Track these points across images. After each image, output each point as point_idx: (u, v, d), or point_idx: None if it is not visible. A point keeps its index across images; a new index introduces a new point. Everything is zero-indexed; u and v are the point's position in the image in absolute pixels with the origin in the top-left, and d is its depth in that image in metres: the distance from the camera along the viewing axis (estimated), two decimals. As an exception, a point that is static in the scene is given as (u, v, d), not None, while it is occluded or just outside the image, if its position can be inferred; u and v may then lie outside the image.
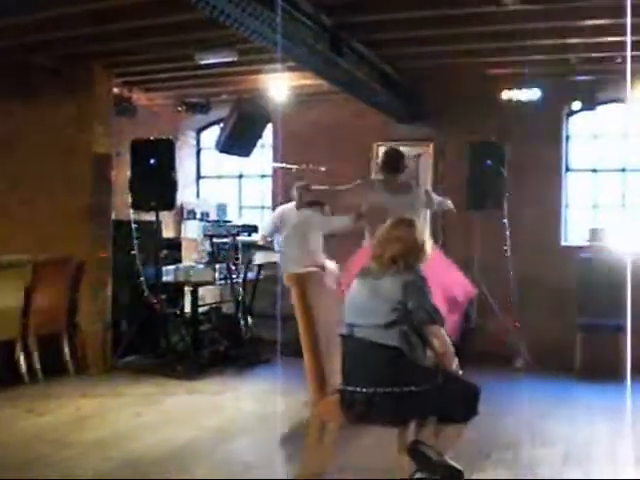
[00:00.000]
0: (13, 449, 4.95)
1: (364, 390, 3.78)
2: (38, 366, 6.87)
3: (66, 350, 7.19)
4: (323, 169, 8.51)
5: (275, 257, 7.97)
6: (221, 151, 8.01)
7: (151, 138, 7.73)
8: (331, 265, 6.94)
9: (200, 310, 7.89)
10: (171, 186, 7.58)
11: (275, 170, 9.25)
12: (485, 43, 6.78)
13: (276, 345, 6.51)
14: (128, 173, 7.63)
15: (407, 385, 3.72)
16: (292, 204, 7.94)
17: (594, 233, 8.18)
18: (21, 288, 6.70)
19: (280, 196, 8.67)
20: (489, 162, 7.72)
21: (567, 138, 8.59)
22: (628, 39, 5.36)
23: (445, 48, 7.04)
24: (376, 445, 4.86)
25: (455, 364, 3.91)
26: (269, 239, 8.05)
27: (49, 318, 7.05)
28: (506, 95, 7.87)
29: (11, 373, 6.63)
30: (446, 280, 5.69)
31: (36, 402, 6.13)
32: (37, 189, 7.42)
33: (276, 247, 8.00)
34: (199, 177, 10.61)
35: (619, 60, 6.95)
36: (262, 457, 4.97)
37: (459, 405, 3.77)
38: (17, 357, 6.70)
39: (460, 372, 3.91)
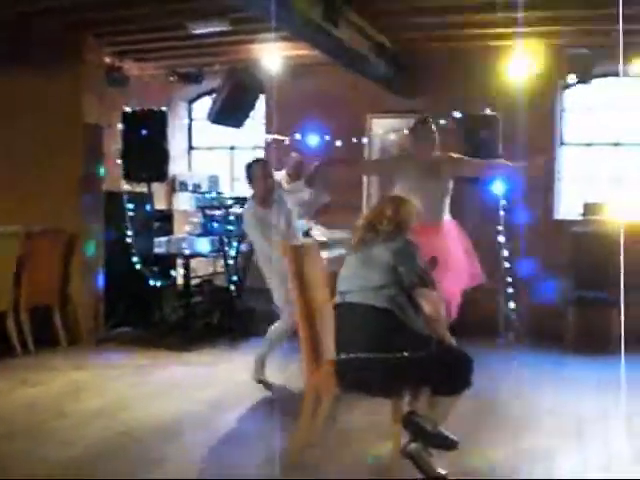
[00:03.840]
0: (8, 419, 4.97)
1: (357, 355, 3.79)
2: (30, 338, 6.87)
3: (58, 322, 7.19)
4: (315, 141, 8.48)
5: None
6: (213, 122, 7.93)
7: (143, 109, 7.66)
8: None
9: (192, 282, 7.87)
10: (163, 157, 7.55)
11: (268, 141, 9.20)
12: (481, 14, 6.73)
13: (271, 317, 6.48)
14: (120, 144, 7.58)
15: (400, 350, 3.73)
16: (282, 173, 7.95)
17: (588, 207, 8.18)
18: (13, 260, 6.68)
19: (272, 168, 8.60)
20: (483, 134, 7.68)
21: (562, 111, 8.57)
22: (620, 12, 5.32)
23: (441, 19, 6.99)
24: (369, 417, 4.88)
25: (447, 334, 3.93)
26: None
27: (41, 290, 7.04)
28: (501, 67, 7.82)
29: (3, 345, 6.64)
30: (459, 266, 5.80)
31: (29, 373, 6.14)
32: (27, 160, 7.36)
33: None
34: (191, 148, 10.54)
35: (614, 33, 6.92)
36: (255, 427, 4.99)
37: (453, 375, 3.78)
38: (9, 329, 6.70)
39: (453, 341, 3.92)
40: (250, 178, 6.02)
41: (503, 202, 7.82)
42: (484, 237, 7.76)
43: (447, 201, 6.17)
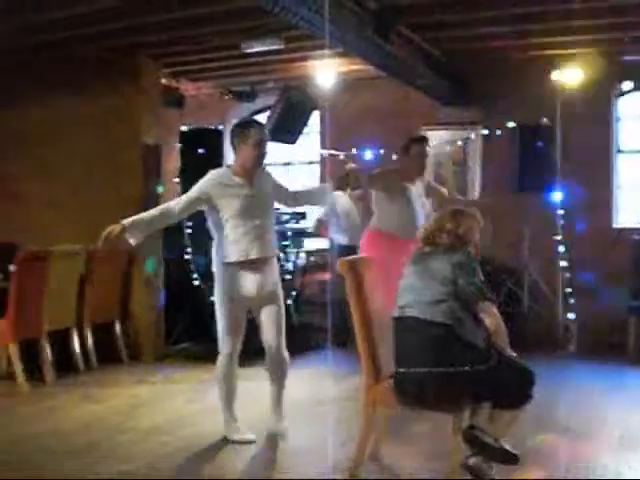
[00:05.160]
0: (70, 436, 5.04)
1: (417, 371, 3.78)
2: (93, 354, 7.02)
3: (120, 338, 7.33)
4: (370, 155, 8.51)
5: (324, 244, 7.98)
6: (268, 139, 8.01)
7: (199, 127, 7.78)
8: None
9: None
10: (219, 175, 7.64)
11: (323, 157, 9.26)
12: (533, 24, 6.69)
13: (326, 332, 6.51)
14: (177, 163, 7.71)
15: (460, 365, 3.71)
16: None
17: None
18: (76, 278, 6.83)
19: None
20: (539, 144, 7.62)
21: (617, 119, 8.45)
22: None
23: (492, 30, 6.97)
24: (430, 430, 4.86)
25: (508, 347, 3.89)
26: (325, 221, 8.01)
27: (103, 307, 7.18)
28: (555, 76, 7.76)
29: (67, 361, 6.78)
30: None
31: (92, 389, 6.27)
32: (86, 180, 7.53)
33: (331, 233, 7.98)
34: (246, 165, 10.62)
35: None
36: (314, 442, 5.00)
37: (514, 389, 3.74)
38: (73, 345, 6.84)
39: (514, 354, 3.88)
40: (241, 140, 4.71)
41: (561, 211, 7.75)
42: (543, 247, 7.71)
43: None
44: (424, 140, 6.24)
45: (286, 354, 4.98)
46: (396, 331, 3.97)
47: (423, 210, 6.16)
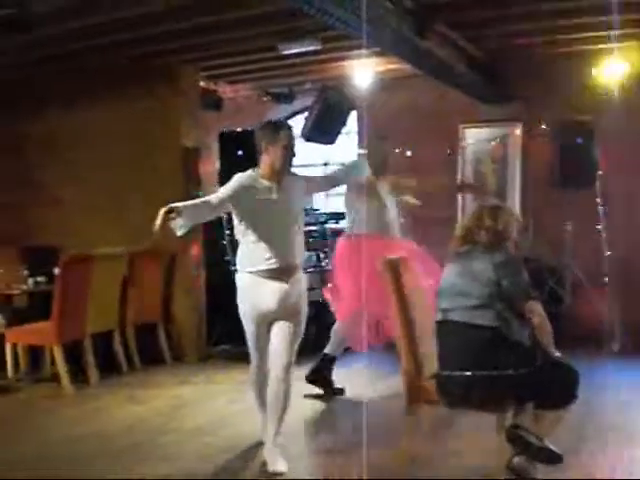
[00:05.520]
0: (113, 436, 5.11)
1: (461, 374, 3.76)
2: (136, 355, 7.09)
3: (162, 339, 7.40)
4: (409, 153, 8.48)
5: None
6: (306, 140, 8.03)
7: (238, 129, 7.81)
8: None
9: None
10: (258, 176, 7.66)
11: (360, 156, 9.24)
12: (572, 19, 6.61)
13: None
14: (217, 165, 7.75)
15: (505, 368, 3.68)
16: None
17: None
18: (118, 280, 6.90)
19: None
20: (580, 140, 7.53)
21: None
22: None
23: (530, 26, 6.91)
24: (473, 430, 4.82)
25: (553, 346, 3.86)
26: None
27: (145, 308, 7.26)
28: (595, 71, 7.67)
29: (110, 363, 6.87)
30: None
31: (135, 390, 6.33)
32: (125, 184, 7.62)
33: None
34: (285, 166, 10.64)
35: None
36: (354, 442, 4.98)
37: (558, 389, 3.71)
38: (116, 347, 6.92)
39: (558, 354, 3.84)
40: (269, 142, 4.47)
41: (603, 208, 7.64)
42: (585, 244, 7.61)
43: None
44: (383, 138, 6.35)
45: (289, 385, 4.49)
46: (439, 334, 3.95)
47: (396, 208, 6.18)
